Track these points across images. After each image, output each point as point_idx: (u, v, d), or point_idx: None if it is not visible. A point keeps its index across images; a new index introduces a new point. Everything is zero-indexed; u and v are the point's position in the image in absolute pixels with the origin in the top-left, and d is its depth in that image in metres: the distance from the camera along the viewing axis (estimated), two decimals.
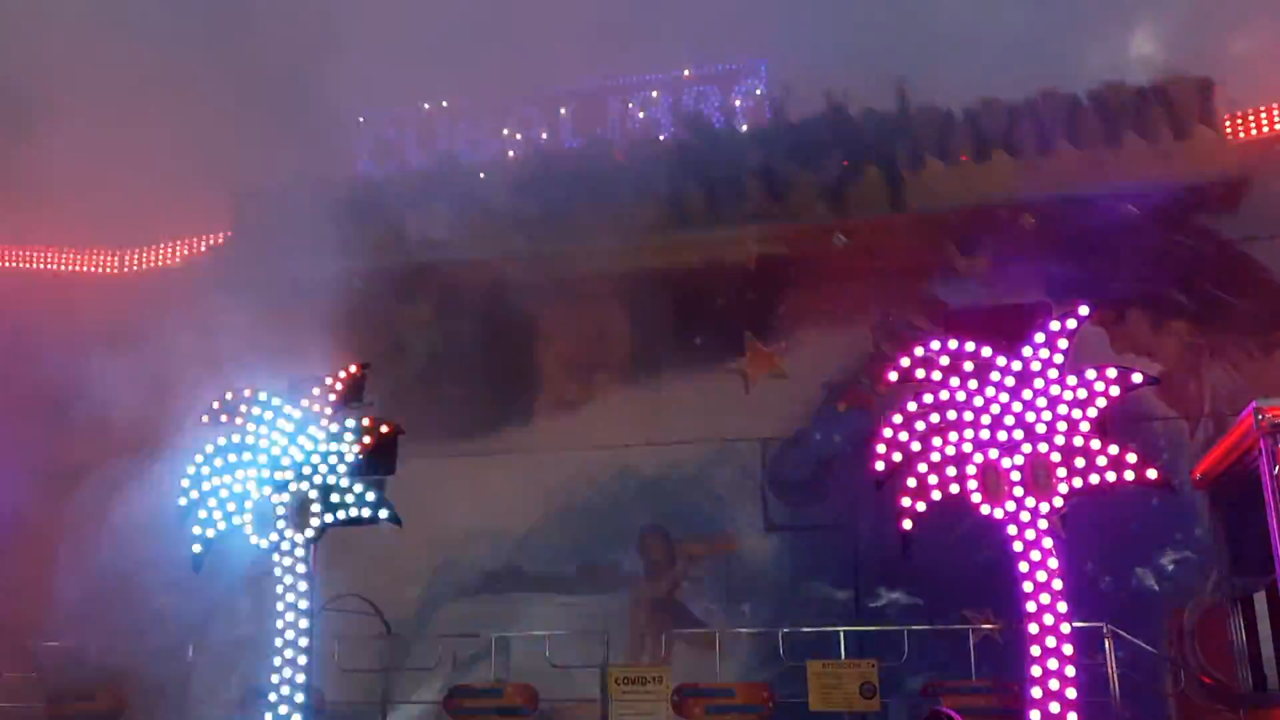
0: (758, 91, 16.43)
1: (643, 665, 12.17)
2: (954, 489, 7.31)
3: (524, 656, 12.94)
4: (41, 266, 17.71)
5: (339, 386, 9.64)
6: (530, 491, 14.92)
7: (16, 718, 12.93)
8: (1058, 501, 7.19)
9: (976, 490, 7.27)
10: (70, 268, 17.57)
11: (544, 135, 16.93)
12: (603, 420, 15.14)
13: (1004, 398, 7.36)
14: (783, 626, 13.00)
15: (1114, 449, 7.17)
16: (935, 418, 7.42)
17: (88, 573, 15.77)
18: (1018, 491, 7.18)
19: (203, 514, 9.53)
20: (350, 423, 9.50)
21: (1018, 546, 7.18)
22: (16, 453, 16.17)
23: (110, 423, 15.90)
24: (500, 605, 14.55)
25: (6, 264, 17.80)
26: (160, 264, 17.37)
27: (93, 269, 17.59)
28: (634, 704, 10.46)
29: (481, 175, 16.03)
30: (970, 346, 7.51)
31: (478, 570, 14.90)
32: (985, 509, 7.24)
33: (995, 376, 7.40)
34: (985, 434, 7.31)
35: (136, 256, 17.50)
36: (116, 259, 17.51)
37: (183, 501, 9.55)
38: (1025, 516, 7.15)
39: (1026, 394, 7.33)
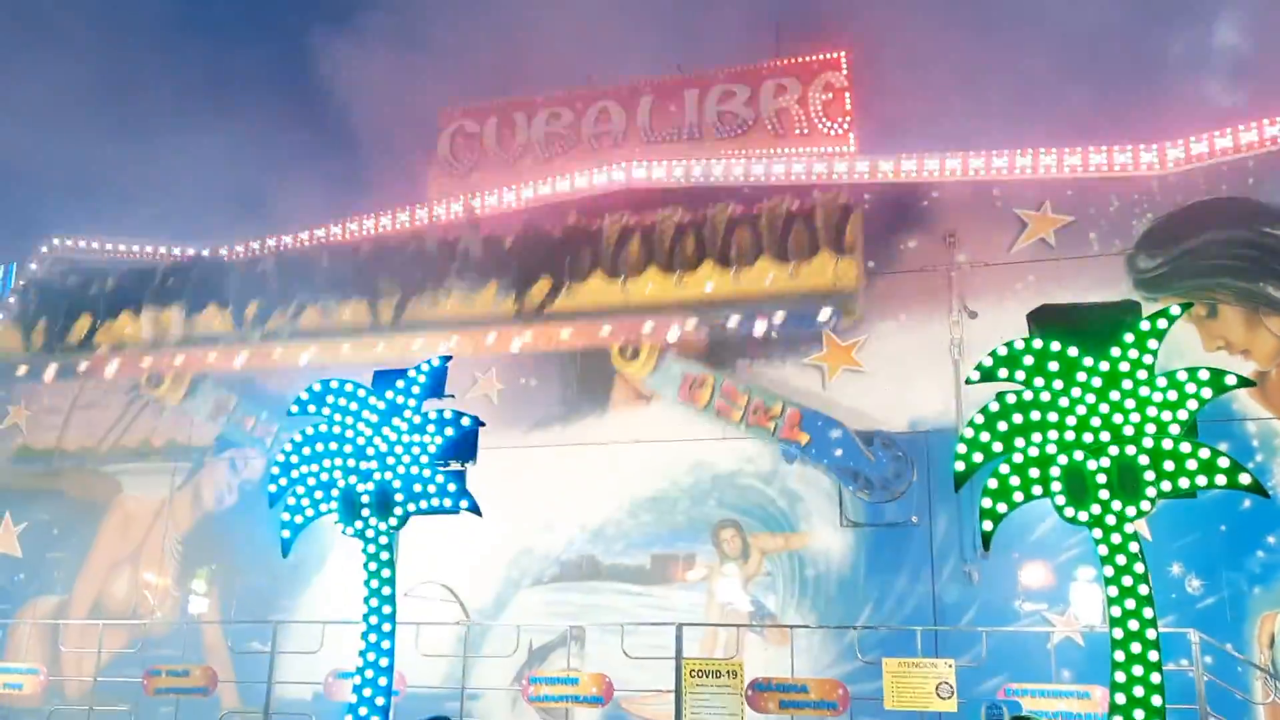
0: (838, 85, 16.31)
1: (717, 659, 12.21)
2: (1037, 491, 7.19)
3: (598, 646, 13.14)
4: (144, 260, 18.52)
5: (422, 379, 9.82)
6: (605, 483, 15.06)
7: (119, 689, 13.52)
8: (1145, 505, 7.02)
9: (1060, 493, 7.14)
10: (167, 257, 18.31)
11: (623, 129, 17.10)
12: (678, 413, 15.19)
13: (1090, 399, 7.18)
14: (857, 624, 13.00)
15: (1205, 452, 6.97)
16: (1018, 418, 7.30)
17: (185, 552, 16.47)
18: (1104, 495, 7.03)
19: (290, 501, 9.78)
20: (433, 414, 9.67)
21: (1103, 550, 7.02)
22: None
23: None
24: (575, 595, 14.75)
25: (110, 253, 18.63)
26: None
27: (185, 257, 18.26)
28: (708, 697, 10.52)
29: None
30: (1056, 346, 7.36)
31: (553, 560, 15.09)
32: (1069, 512, 7.09)
33: (1081, 377, 7.24)
34: (1070, 436, 7.16)
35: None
36: (208, 250, 18.12)
37: (272, 489, 9.84)
38: (1111, 520, 7.00)
39: (1114, 395, 7.14)
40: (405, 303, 16.44)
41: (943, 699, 10.29)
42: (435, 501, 9.41)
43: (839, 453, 14.09)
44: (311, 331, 16.80)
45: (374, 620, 9.40)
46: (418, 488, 9.42)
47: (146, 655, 14.07)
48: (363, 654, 9.35)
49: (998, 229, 14.50)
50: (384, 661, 9.34)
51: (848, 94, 16.36)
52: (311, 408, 9.93)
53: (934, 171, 14.97)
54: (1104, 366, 7.22)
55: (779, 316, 14.87)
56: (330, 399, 9.85)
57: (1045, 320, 7.60)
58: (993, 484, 7.24)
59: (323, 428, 9.80)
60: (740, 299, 15.04)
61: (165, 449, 17.17)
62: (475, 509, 9.41)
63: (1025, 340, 7.41)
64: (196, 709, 12.86)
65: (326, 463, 9.71)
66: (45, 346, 18.19)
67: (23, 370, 18.28)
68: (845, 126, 16.27)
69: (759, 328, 14.93)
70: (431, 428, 9.55)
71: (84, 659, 14.44)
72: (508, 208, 16.86)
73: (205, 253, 18.23)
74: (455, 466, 9.57)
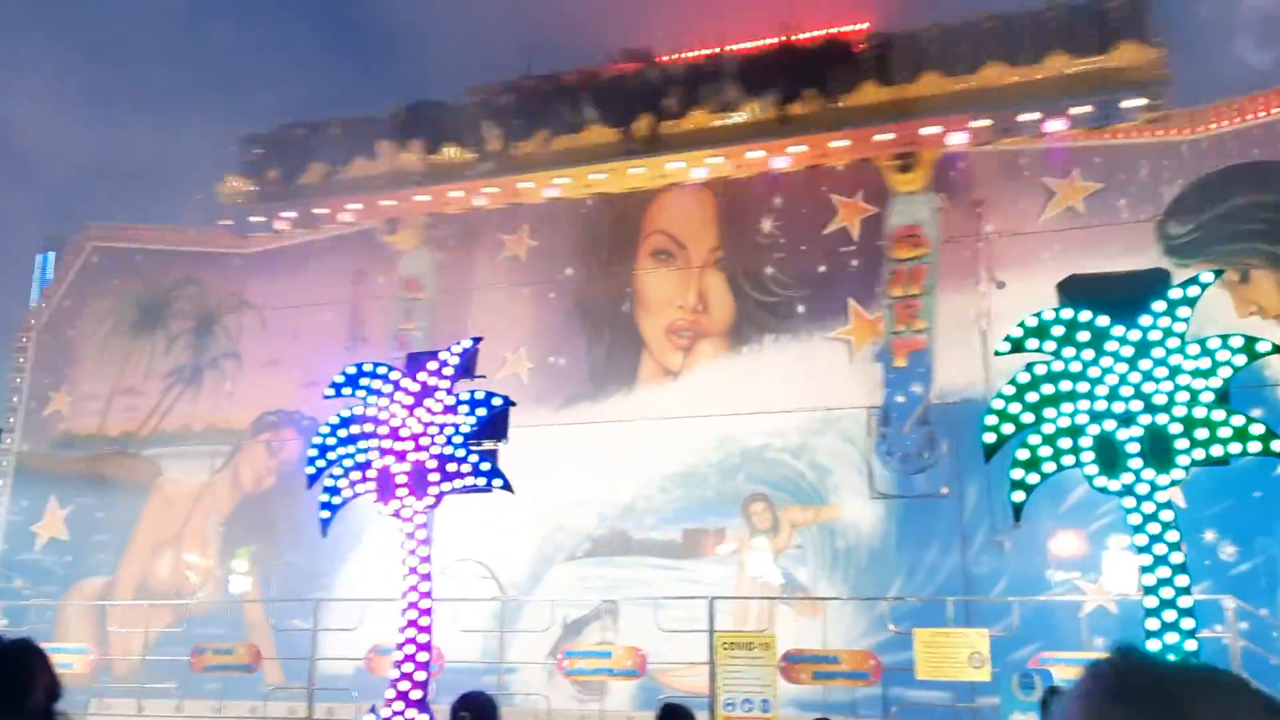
0: None
1: (749, 631, 12.33)
2: (1068, 461, 7.21)
3: (632, 620, 13.30)
4: (178, 248, 18.68)
5: (453, 360, 9.95)
6: (634, 459, 15.18)
7: (166, 667, 13.84)
8: (1178, 474, 7.03)
9: (1092, 463, 7.16)
10: (199, 247, 18.46)
11: None
12: (705, 389, 15.27)
13: (1121, 368, 7.19)
14: (888, 595, 13.07)
15: (1238, 420, 6.97)
16: (1048, 388, 7.32)
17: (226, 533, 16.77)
18: (1135, 464, 7.05)
19: (328, 481, 9.96)
20: (465, 395, 9.81)
21: (1135, 519, 7.05)
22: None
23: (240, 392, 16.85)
24: (608, 570, 14.91)
25: (150, 245, 18.86)
26: (282, 243, 18.05)
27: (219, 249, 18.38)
28: (742, 668, 10.64)
29: None
30: (1086, 315, 7.36)
31: (585, 536, 15.25)
32: (1101, 482, 7.12)
33: (1112, 346, 7.25)
34: (1101, 405, 7.17)
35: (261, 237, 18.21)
36: (241, 238, 18.27)
37: (310, 470, 10.02)
38: (1143, 490, 7.02)
39: (1145, 364, 7.15)
40: (658, 123, 15.58)
41: (975, 668, 10.36)
42: (469, 480, 9.57)
43: (900, 399, 14.12)
44: (559, 158, 16.16)
45: (413, 597, 9.59)
46: (451, 467, 9.56)
47: (192, 634, 14.38)
48: (403, 630, 9.55)
49: (1025, 198, 14.41)
50: (423, 638, 9.53)
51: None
52: (346, 390, 10.10)
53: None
54: (1134, 335, 7.22)
55: (1082, 109, 13.78)
56: (364, 381, 10.02)
57: (1075, 289, 7.60)
58: (1023, 455, 7.27)
59: (358, 409, 9.97)
60: (1032, 90, 14.03)
61: (204, 433, 17.45)
62: (508, 486, 9.55)
63: (1054, 310, 7.41)
64: (242, 685, 13.16)
65: (362, 444, 9.89)
66: (278, 195, 17.69)
67: (258, 219, 17.79)
68: None
69: (1054, 125, 14.02)
70: (464, 408, 9.69)
71: (131, 638, 14.77)
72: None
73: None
74: (488, 445, 9.71)
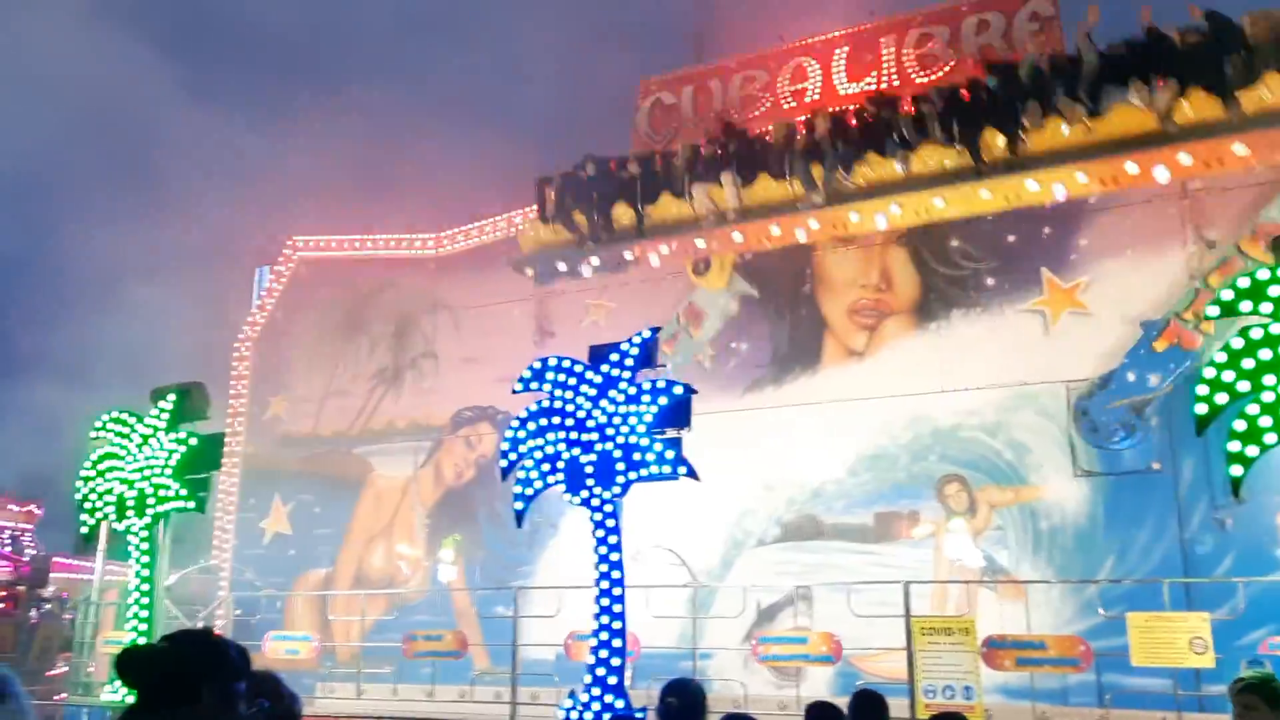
0: (1046, 15, 15.35)
1: (948, 616, 11.98)
2: None
3: (826, 605, 13.18)
4: (373, 251, 19.80)
5: (634, 351, 10.14)
6: (821, 442, 14.99)
7: (382, 653, 14.77)
8: None
9: None
10: (395, 250, 19.49)
11: (819, 84, 16.76)
12: (892, 369, 14.90)
13: None
14: (1098, 578, 12.42)
15: None
16: (1266, 354, 6.76)
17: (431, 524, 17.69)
18: None
19: (520, 474, 10.35)
20: (646, 385, 9.97)
21: None
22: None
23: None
24: (798, 555, 14.81)
25: (346, 249, 20.09)
26: (470, 244, 18.83)
27: (414, 250, 19.33)
28: (940, 654, 10.36)
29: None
30: None
31: (774, 521, 15.19)
32: None
33: None
34: None
35: (451, 238, 19.03)
36: (434, 241, 19.16)
37: (503, 463, 10.43)
38: None
39: None
40: (1015, 139, 14.19)
41: (1197, 654, 9.71)
42: (654, 469, 9.73)
43: (1130, 378, 13.22)
44: (891, 185, 15.04)
45: (605, 585, 9.84)
46: (637, 456, 9.75)
47: (404, 621, 15.25)
48: (597, 617, 9.81)
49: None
50: (617, 624, 9.77)
51: (1058, 23, 15.38)
52: (534, 384, 10.46)
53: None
54: None
55: None
56: (550, 375, 10.35)
57: None
58: (1240, 426, 6.77)
59: (545, 402, 10.31)
60: None
61: (408, 430, 18.45)
62: (693, 474, 9.65)
63: (1270, 269, 6.86)
64: (451, 670, 13.83)
65: (551, 436, 10.22)
66: (580, 240, 17.21)
67: (562, 265, 17.41)
68: None
69: None
70: (646, 398, 9.86)
71: (350, 626, 15.82)
72: None
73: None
74: (671, 434, 9.84)
